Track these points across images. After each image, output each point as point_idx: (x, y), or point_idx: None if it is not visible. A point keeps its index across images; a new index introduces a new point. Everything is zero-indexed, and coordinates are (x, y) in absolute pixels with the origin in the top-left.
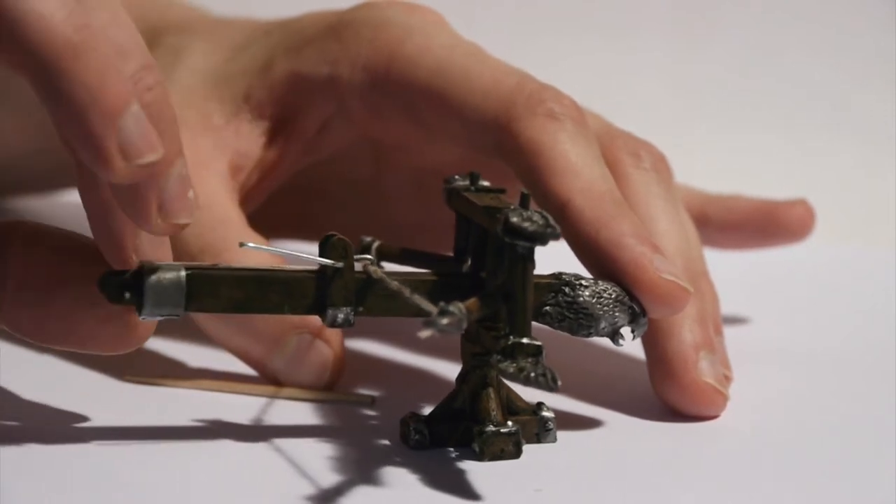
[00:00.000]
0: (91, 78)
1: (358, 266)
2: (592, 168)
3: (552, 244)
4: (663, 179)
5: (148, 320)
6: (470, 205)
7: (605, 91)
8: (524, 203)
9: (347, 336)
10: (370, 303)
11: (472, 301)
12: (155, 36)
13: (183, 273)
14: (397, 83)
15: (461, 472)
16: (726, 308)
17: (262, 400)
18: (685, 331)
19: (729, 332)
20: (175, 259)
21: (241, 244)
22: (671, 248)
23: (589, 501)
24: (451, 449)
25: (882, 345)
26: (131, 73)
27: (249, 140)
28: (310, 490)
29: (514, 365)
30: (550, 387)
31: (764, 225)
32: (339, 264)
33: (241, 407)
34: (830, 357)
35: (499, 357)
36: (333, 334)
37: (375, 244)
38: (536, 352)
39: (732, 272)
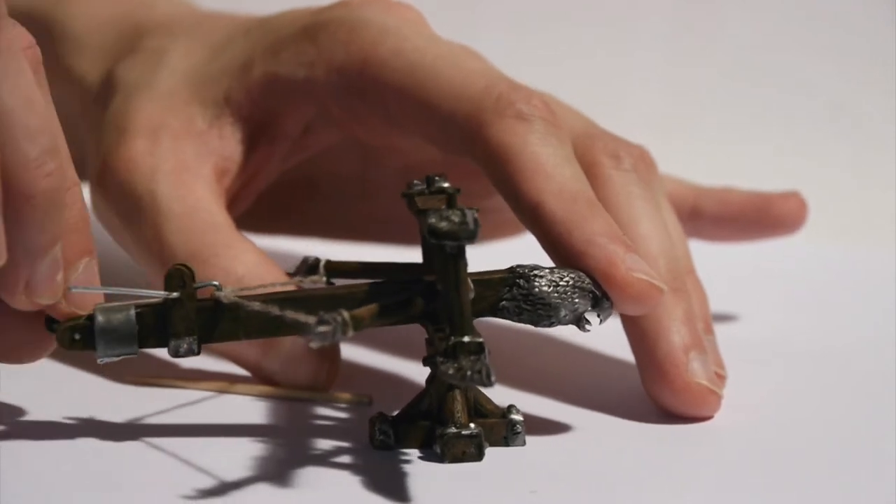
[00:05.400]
0: None
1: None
2: (563, 168)
3: None
4: (644, 179)
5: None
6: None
7: (603, 91)
8: (451, 202)
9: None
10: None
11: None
12: (138, 37)
13: (133, 312)
14: (372, 86)
15: (407, 475)
16: (723, 308)
17: (261, 400)
18: (673, 333)
19: (725, 331)
20: (164, 266)
21: (70, 288)
22: (654, 250)
23: (584, 503)
24: (417, 450)
25: (879, 344)
26: (34, 157)
27: (233, 143)
28: (251, 488)
29: (455, 365)
30: (485, 383)
31: (757, 217)
32: (175, 295)
33: (240, 407)
34: (828, 356)
35: (441, 359)
36: None
37: (322, 262)
38: (478, 349)
39: (730, 272)
